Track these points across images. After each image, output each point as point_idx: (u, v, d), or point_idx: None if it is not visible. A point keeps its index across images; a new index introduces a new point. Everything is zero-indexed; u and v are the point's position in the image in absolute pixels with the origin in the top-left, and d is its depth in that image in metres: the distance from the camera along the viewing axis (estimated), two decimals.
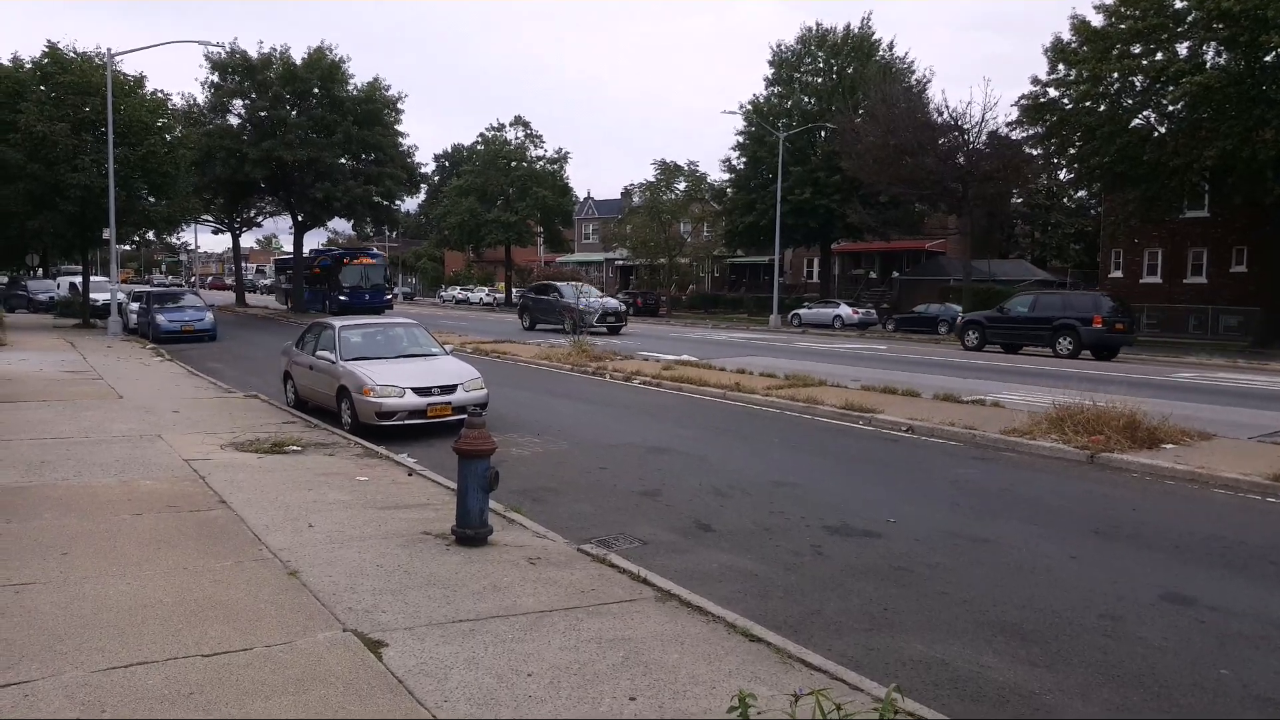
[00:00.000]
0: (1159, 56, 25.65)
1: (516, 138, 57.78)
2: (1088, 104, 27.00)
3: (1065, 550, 7.01)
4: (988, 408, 13.16)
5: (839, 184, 39.43)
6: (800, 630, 5.44)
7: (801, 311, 38.77)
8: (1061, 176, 33.86)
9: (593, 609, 5.46)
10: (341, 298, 36.19)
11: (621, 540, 7.05)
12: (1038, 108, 28.44)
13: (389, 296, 37.89)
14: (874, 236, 41.74)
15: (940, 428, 11.57)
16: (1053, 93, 28.08)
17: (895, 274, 49.04)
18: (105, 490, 7.79)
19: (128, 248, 38.48)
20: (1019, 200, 44.97)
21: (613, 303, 30.18)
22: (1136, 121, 26.84)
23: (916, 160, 33.48)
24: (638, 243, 54.70)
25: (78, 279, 35.18)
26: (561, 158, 58.36)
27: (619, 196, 66.26)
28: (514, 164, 57.50)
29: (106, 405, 12.59)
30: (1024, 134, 30.39)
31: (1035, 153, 31.17)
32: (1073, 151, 28.22)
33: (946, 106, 38.97)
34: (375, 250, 42.47)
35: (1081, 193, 41.86)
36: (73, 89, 25.99)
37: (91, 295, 30.81)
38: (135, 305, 28.41)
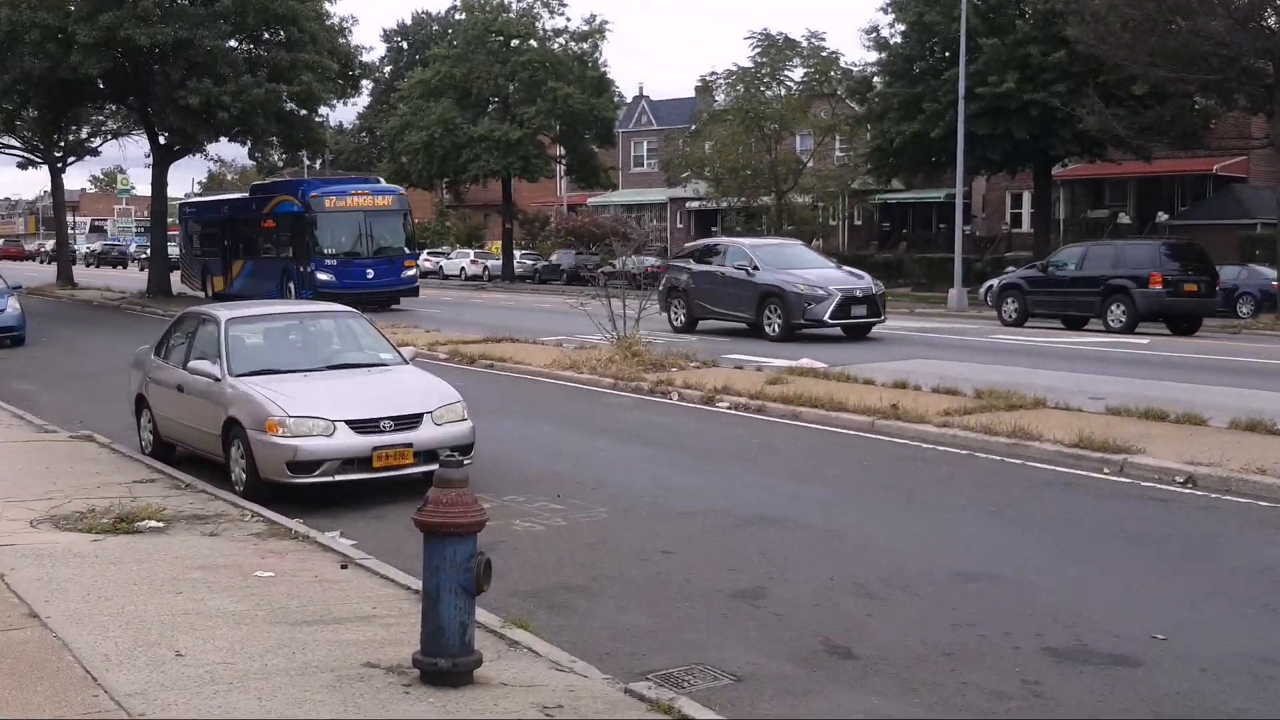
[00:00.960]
0: None
1: (521, 0, 58.69)
2: None
3: None
4: None
5: (1063, 66, 39.04)
6: None
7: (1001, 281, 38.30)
8: None
9: None
10: (321, 275, 35.12)
11: (699, 675, 7.05)
12: None
13: (411, 272, 37.57)
14: (1125, 154, 41.12)
15: (1240, 478, 11.46)
16: None
17: (1162, 216, 48.32)
18: None
19: None
20: None
21: (858, 281, 26.46)
22: None
23: (1195, 23, 32.86)
24: (723, 170, 54.87)
25: None
26: (596, 31, 59.07)
27: (690, 95, 66.55)
28: (516, 43, 58.41)
29: None
30: None
31: None
32: None
33: None
34: (383, 182, 41.89)
35: None
36: None
37: None
38: None
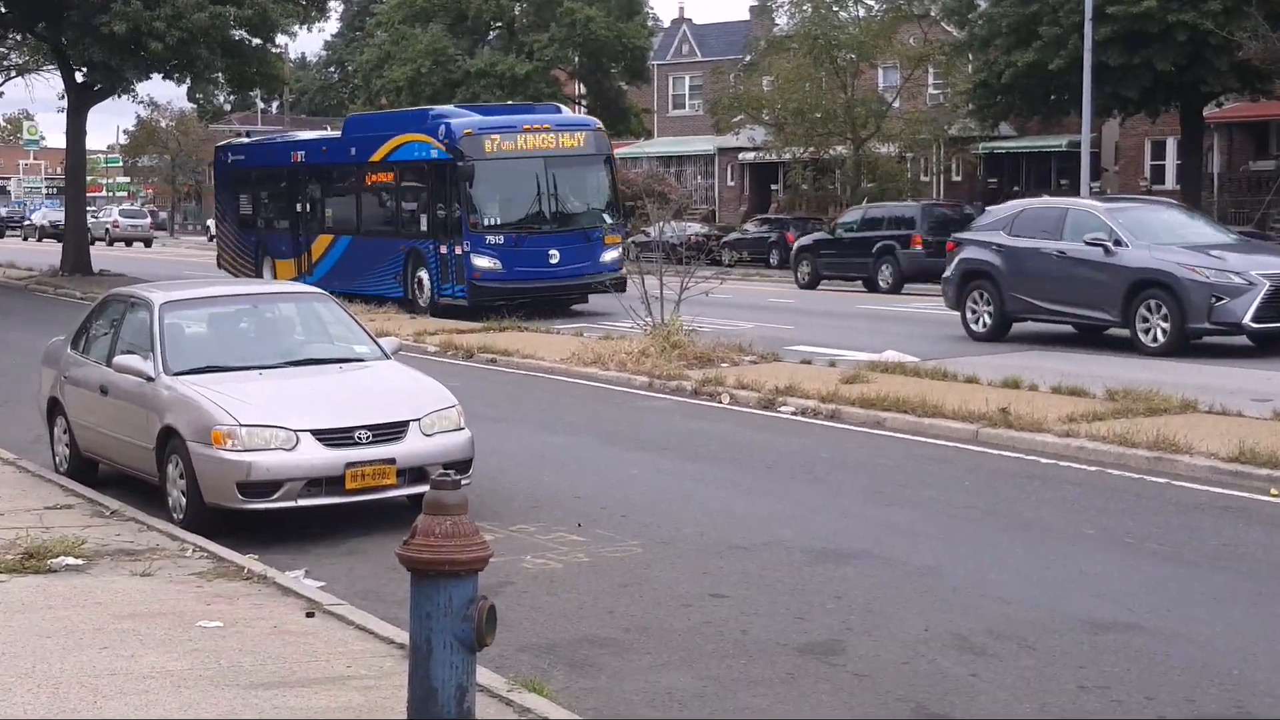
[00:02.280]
0: None
1: None
2: None
3: None
4: None
5: None
6: None
7: None
8: None
9: None
10: (479, 260, 28.60)
11: None
12: None
13: (614, 253, 29.78)
14: None
15: None
16: None
17: None
18: None
19: None
20: None
21: None
22: None
23: None
24: (786, 113, 54.78)
25: None
26: None
27: (744, 18, 66.45)
28: None
29: None
30: None
31: None
32: None
33: None
34: (566, 111, 34.55)
35: None
36: None
37: None
38: None
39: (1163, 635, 8.63)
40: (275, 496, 11.29)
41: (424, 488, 7.04)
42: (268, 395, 11.82)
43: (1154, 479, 13.01)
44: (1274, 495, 12.15)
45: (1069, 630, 8.75)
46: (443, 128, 29.14)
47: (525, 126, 29.44)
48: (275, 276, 34.93)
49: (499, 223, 29.00)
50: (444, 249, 29.30)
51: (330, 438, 11.41)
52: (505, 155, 28.77)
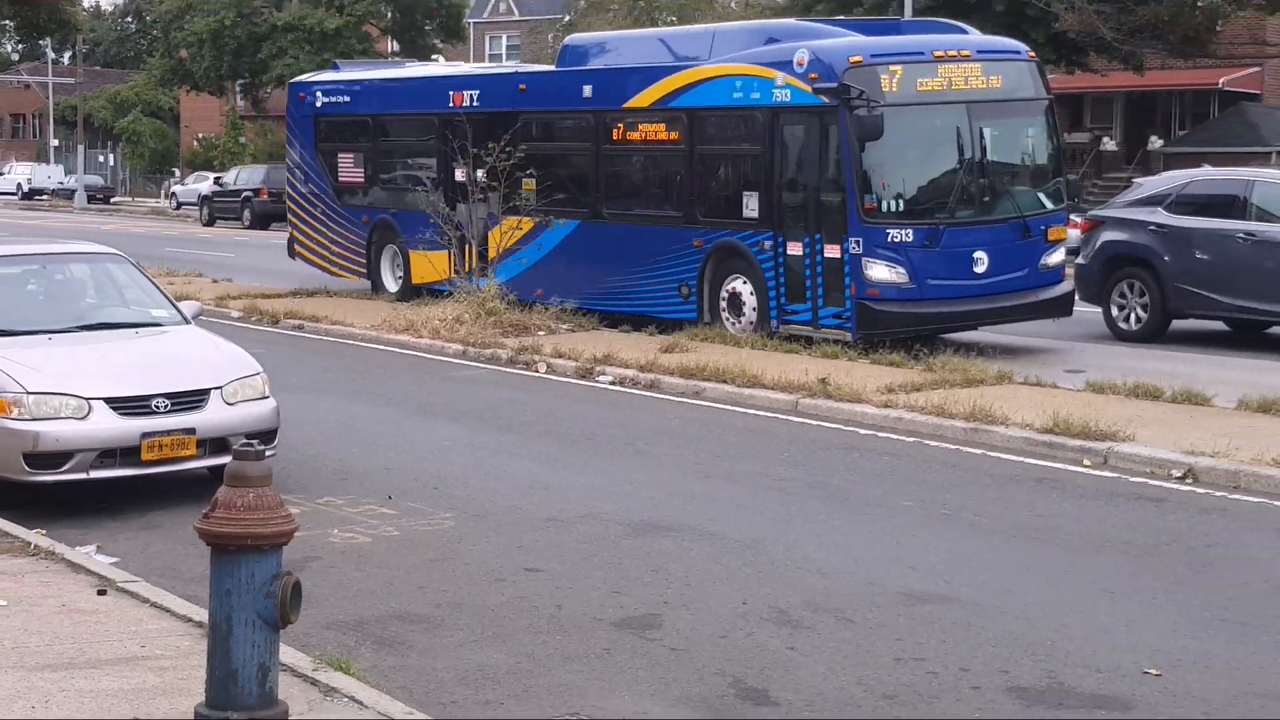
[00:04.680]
0: None
1: None
2: None
3: None
4: None
5: None
6: None
7: None
8: None
9: None
10: (876, 266, 18.52)
11: None
12: None
13: (1058, 255, 20.21)
14: (1111, 63, 41.83)
15: (1252, 471, 11.85)
16: None
17: (1155, 141, 49.37)
18: None
19: None
20: None
21: None
22: None
23: None
24: None
25: None
26: None
27: None
28: None
29: None
30: None
31: None
32: None
33: None
34: (973, 32, 21.93)
35: None
36: None
37: None
38: None
39: (978, 607, 8.82)
40: (65, 468, 11.00)
41: (226, 459, 6.92)
42: (57, 361, 11.49)
43: (970, 450, 13.33)
44: (1087, 466, 12.52)
45: (886, 603, 8.90)
46: (804, 55, 18.91)
47: (938, 53, 19.28)
48: (409, 272, 25.00)
49: (906, 207, 18.85)
50: (797, 247, 19.07)
51: (125, 406, 11.15)
52: (917, 100, 18.92)
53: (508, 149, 21.97)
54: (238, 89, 68.96)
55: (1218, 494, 11.62)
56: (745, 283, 19.74)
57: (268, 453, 10.73)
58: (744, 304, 19.75)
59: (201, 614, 7.53)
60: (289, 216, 28.67)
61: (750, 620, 8.57)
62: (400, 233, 25.11)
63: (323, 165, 27.06)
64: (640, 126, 21.60)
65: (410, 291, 24.49)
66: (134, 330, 12.45)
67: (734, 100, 19.88)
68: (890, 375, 16.08)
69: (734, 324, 19.83)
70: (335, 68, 30.11)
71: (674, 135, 20.99)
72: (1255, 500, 11.43)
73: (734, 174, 20.70)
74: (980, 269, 18.90)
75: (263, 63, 56.69)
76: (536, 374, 17.94)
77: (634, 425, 14.77)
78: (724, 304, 20.08)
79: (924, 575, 9.51)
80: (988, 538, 10.52)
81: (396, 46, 60.14)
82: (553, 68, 25.52)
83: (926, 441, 13.72)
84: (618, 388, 16.86)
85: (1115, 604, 8.91)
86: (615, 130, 21.87)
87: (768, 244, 19.28)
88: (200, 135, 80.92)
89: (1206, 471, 11.98)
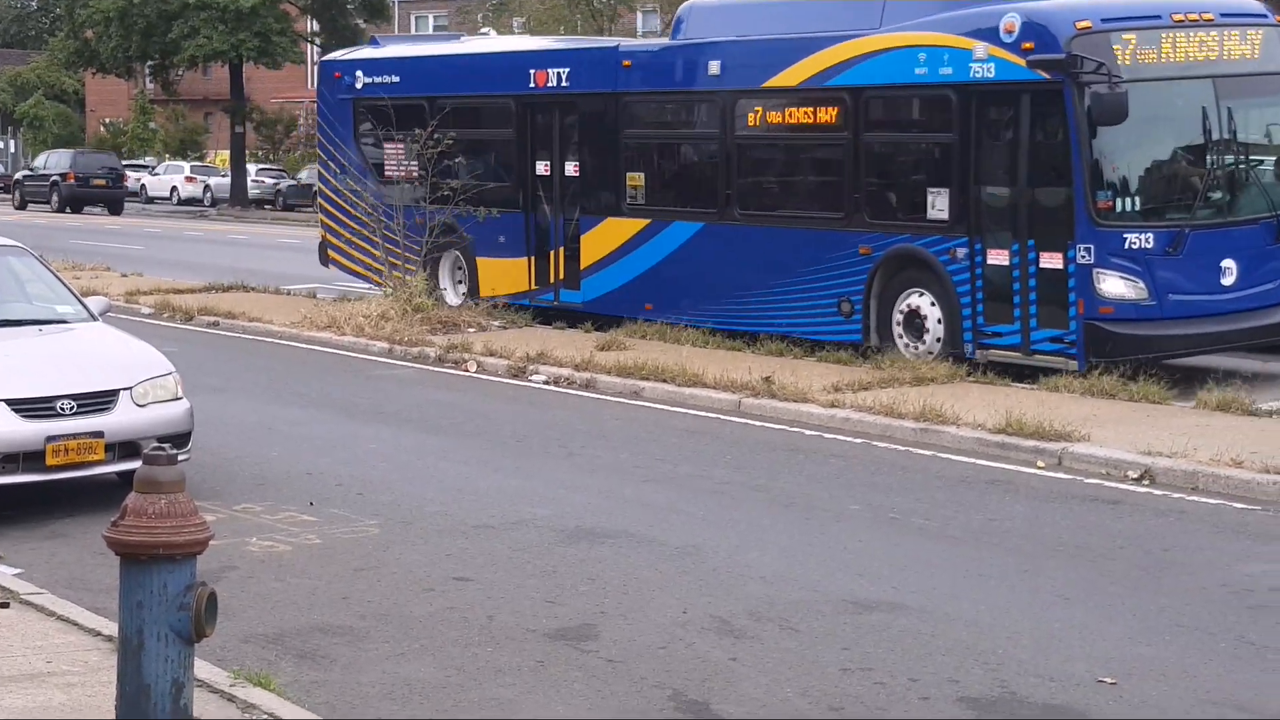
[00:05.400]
0: None
1: None
2: None
3: None
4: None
5: None
6: None
7: None
8: None
9: None
10: (1111, 278, 16.06)
11: None
12: None
13: None
14: None
15: (1210, 471, 12.01)
16: None
17: None
18: None
19: None
20: None
21: None
22: None
23: None
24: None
25: None
26: None
27: None
28: None
29: None
30: None
31: None
32: None
33: None
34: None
35: None
36: None
37: None
38: None
39: (928, 615, 8.89)
40: None
41: (136, 463, 6.92)
42: None
43: (920, 451, 13.43)
44: (1041, 468, 12.65)
45: (832, 611, 8.95)
46: (1015, 21, 16.35)
47: (1176, 17, 16.53)
48: (475, 282, 22.61)
49: (1145, 207, 16.53)
50: (1000, 256, 16.58)
51: (28, 408, 11.07)
52: (1156, 74, 16.40)
53: (606, 138, 20.58)
54: (147, 71, 68.32)
55: (1175, 495, 11.77)
56: (928, 298, 17.14)
57: (181, 457, 10.64)
58: (926, 324, 17.13)
59: (111, 627, 7.48)
60: (320, 216, 25.76)
61: (691, 630, 8.59)
62: (465, 236, 22.50)
63: (364, 157, 24.36)
64: (787, 110, 19.11)
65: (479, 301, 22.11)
66: (37, 327, 12.34)
67: (916, 77, 17.30)
68: (837, 373, 16.17)
69: (912, 347, 17.11)
70: (375, 43, 26.82)
71: (833, 120, 18.40)
72: (1214, 502, 11.57)
73: (914, 167, 18.34)
74: (1228, 280, 16.40)
75: (174, 43, 56.05)
76: (467, 373, 17.91)
77: (569, 426, 14.79)
78: (898, 324, 17.45)
79: (871, 582, 9.57)
80: (938, 542, 10.61)
81: (316, 26, 59.73)
82: (664, 40, 23.54)
83: (875, 443, 13.81)
84: (552, 387, 16.86)
85: (1069, 610, 9.00)
86: (752, 114, 19.43)
87: (960, 251, 16.70)
88: (107, 120, 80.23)
89: (1164, 472, 12.13)
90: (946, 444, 13.49)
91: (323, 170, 25.53)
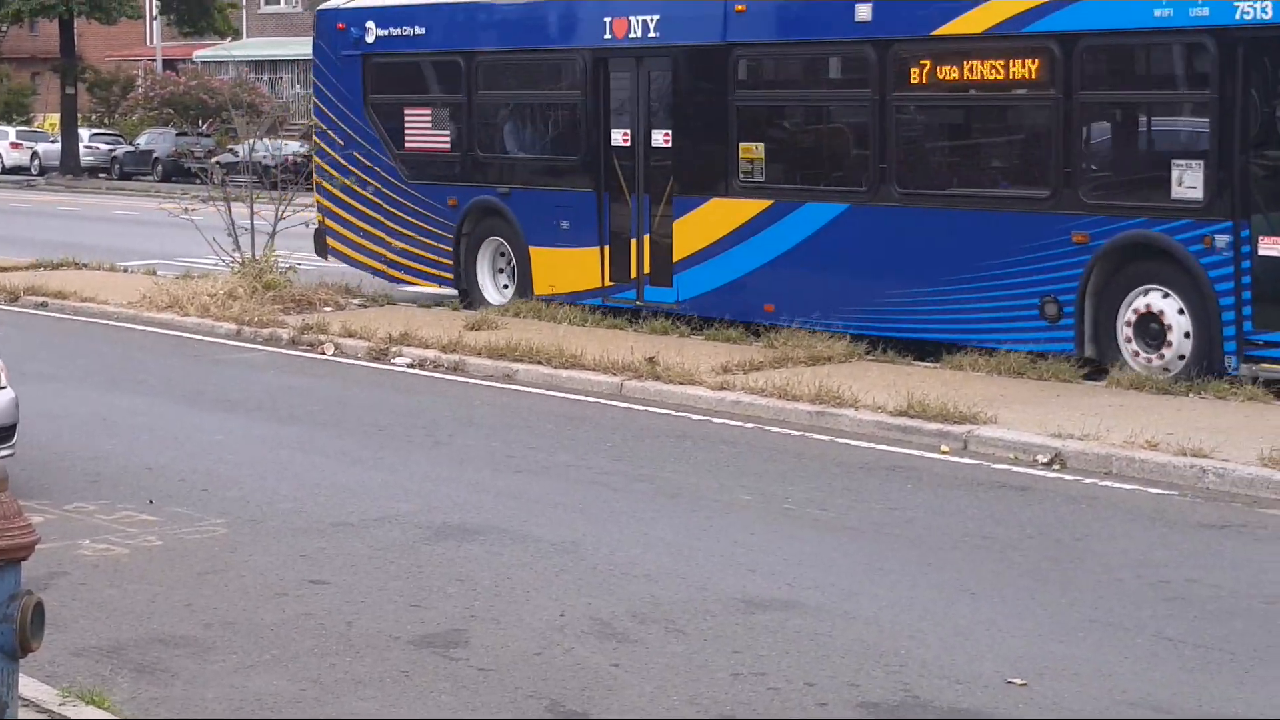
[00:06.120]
0: None
1: None
2: None
3: None
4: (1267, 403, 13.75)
5: None
6: None
7: None
8: None
9: None
10: None
11: None
12: None
13: None
14: None
15: (1125, 455, 12.21)
16: None
17: None
18: None
19: None
20: None
21: None
22: None
23: None
24: None
25: None
26: None
27: None
28: None
29: None
30: None
31: None
32: None
33: None
34: None
35: None
36: None
37: None
38: None
39: (825, 613, 8.93)
40: None
41: None
42: None
43: (816, 436, 13.51)
44: (945, 452, 12.77)
45: (722, 611, 8.96)
46: None
47: None
48: (527, 276, 20.34)
49: None
50: (1274, 246, 14.61)
51: None
52: None
53: (711, 100, 18.30)
54: None
55: (1087, 480, 11.94)
56: (1170, 298, 15.05)
57: (3, 452, 10.54)
58: (1168, 330, 15.04)
59: None
60: (317, 198, 23.22)
61: (569, 634, 8.57)
62: (513, 220, 20.34)
63: (377, 126, 21.99)
64: (968, 64, 16.53)
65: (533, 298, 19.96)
66: None
67: (1156, 20, 15.15)
68: (727, 353, 16.23)
69: (1147, 359, 15.14)
70: None
71: (1034, 76, 16.27)
72: (1128, 487, 11.74)
73: (1152, 134, 16.45)
74: None
75: None
76: (323, 356, 17.79)
77: (435, 413, 14.73)
78: (1127, 329, 15.33)
79: (764, 578, 9.59)
80: (835, 535, 10.66)
81: None
82: None
83: (767, 427, 13.87)
84: (417, 371, 16.79)
85: (976, 606, 9.08)
86: (916, 70, 16.90)
87: (1220, 239, 14.54)
88: None
89: (1075, 456, 12.31)
90: (844, 428, 13.58)
91: (320, 143, 23.27)
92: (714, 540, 10.49)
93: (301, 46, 67.73)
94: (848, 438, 13.41)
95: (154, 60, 71.35)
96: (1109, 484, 11.85)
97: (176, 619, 8.89)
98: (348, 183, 22.09)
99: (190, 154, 46.36)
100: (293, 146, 49.77)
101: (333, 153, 22.46)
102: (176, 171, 52.61)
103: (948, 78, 16.64)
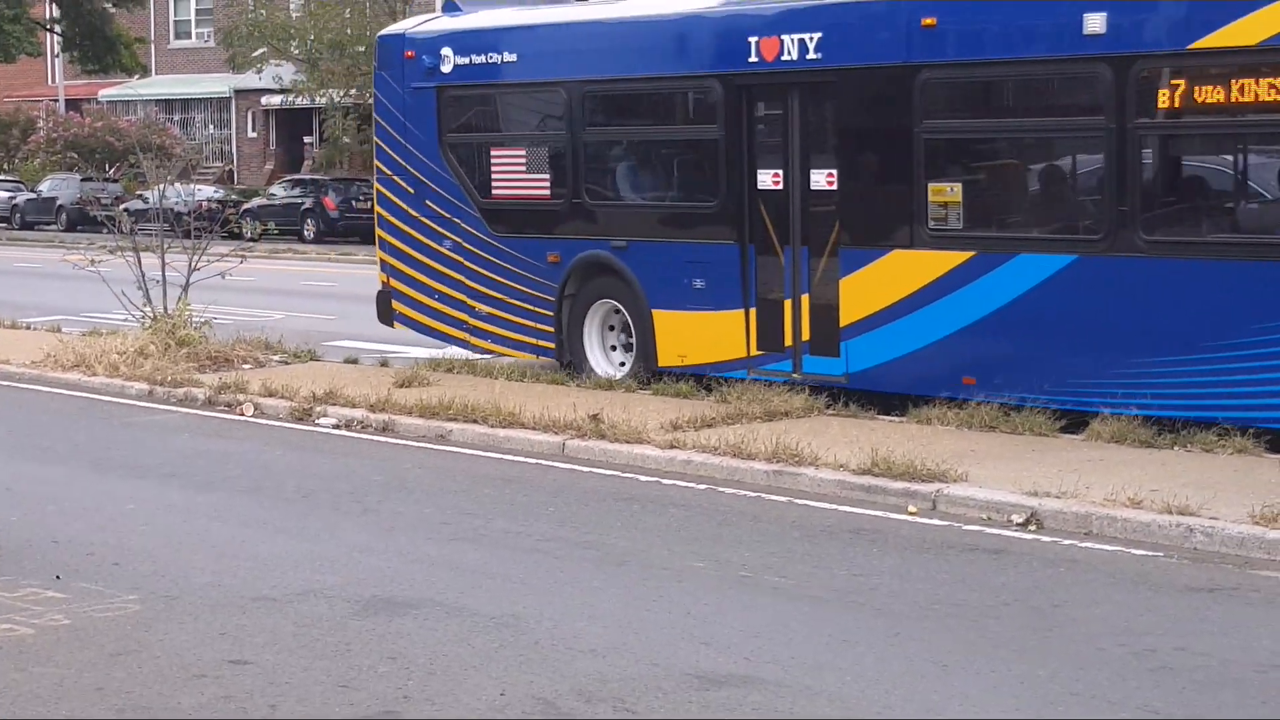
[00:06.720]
0: None
1: None
2: None
3: None
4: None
5: None
6: None
7: None
8: None
9: None
10: None
11: None
12: None
13: None
14: None
15: (1105, 514, 12.22)
16: None
17: None
18: None
19: None
20: None
21: None
22: None
23: None
24: (321, 47, 54.52)
25: None
26: None
27: None
28: None
29: None
30: None
31: None
32: None
33: None
34: None
35: None
36: None
37: None
38: None
39: (785, 689, 8.89)
40: None
41: None
42: None
43: (774, 498, 13.50)
44: (913, 513, 12.77)
45: (674, 688, 8.92)
46: None
47: None
48: (651, 344, 18.56)
49: None
50: None
51: None
52: None
53: (890, 134, 16.56)
54: None
55: (1066, 542, 11.95)
56: None
57: None
58: None
59: None
60: (380, 254, 21.45)
61: (510, 715, 8.53)
62: (631, 279, 18.65)
63: (456, 171, 20.19)
64: (1236, 82, 14.49)
65: (653, 376, 18.35)
66: None
67: None
68: (676, 409, 16.23)
69: None
70: (452, 8, 21.25)
71: None
72: (1110, 548, 11.76)
73: None
74: None
75: None
76: (242, 417, 17.72)
77: (363, 477, 14.68)
78: None
79: (719, 652, 9.56)
80: (795, 604, 10.64)
81: (56, 11, 58.97)
82: None
83: (721, 489, 13.86)
84: (343, 432, 16.74)
85: (948, 679, 9.06)
86: (1166, 91, 15.03)
87: None
88: None
89: (1052, 515, 12.32)
90: (804, 488, 13.58)
91: (384, 190, 21.35)
92: (665, 611, 10.46)
93: (214, 84, 68.18)
94: (808, 498, 13.40)
95: (56, 100, 71.27)
96: (1089, 545, 11.86)
97: (87, 704, 8.79)
98: (420, 237, 20.52)
99: (96, 201, 46.37)
100: (207, 191, 49.81)
101: (400, 202, 20.80)
102: (82, 220, 52.41)
103: (1207, 100, 14.65)
